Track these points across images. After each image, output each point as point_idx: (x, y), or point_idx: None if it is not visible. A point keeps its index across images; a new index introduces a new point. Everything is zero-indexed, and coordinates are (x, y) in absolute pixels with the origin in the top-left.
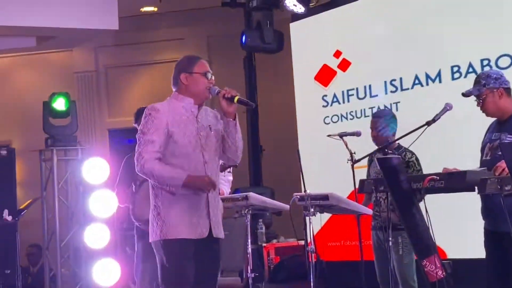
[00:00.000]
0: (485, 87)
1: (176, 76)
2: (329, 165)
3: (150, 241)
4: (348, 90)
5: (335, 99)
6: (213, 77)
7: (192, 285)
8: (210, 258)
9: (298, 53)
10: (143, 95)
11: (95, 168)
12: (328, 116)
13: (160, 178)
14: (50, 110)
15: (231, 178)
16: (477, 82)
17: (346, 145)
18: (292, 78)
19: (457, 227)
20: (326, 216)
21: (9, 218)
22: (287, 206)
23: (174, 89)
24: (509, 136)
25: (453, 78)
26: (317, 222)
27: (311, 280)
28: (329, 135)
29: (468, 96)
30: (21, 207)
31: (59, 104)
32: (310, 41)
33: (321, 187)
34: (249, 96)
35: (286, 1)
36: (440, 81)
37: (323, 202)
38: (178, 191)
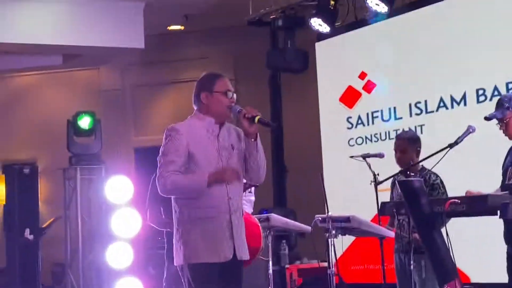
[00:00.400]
0: (508, 110)
1: (196, 94)
2: (353, 186)
3: (174, 264)
4: (373, 112)
5: (359, 121)
6: (234, 96)
7: None
8: (233, 280)
9: (323, 73)
10: (169, 113)
11: (118, 187)
12: (352, 138)
13: (183, 188)
14: (74, 129)
15: (253, 198)
16: (500, 105)
17: (370, 167)
18: (318, 98)
19: (480, 250)
20: (350, 238)
21: (31, 237)
22: (309, 228)
23: (195, 108)
24: None
25: (478, 101)
26: (340, 244)
27: None
28: (352, 156)
29: (491, 119)
30: (43, 225)
31: (84, 122)
32: (335, 62)
33: (345, 209)
34: (273, 115)
35: (311, 21)
36: (465, 104)
37: (345, 224)
38: (204, 192)
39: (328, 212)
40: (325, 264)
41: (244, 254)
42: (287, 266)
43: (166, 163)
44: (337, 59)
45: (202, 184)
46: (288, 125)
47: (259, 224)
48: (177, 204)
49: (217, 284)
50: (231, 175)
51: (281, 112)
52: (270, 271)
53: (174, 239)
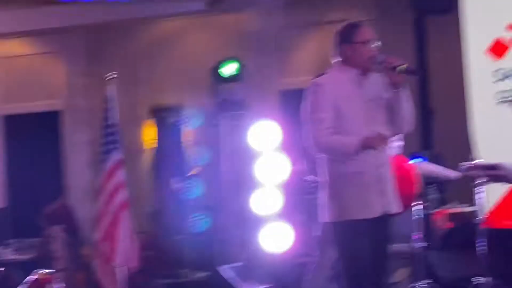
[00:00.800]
0: None
1: (336, 46)
2: (502, 134)
3: (321, 221)
4: None
5: (508, 74)
6: (376, 44)
7: (368, 265)
8: (384, 235)
9: (467, 18)
10: (313, 54)
11: (264, 132)
12: (500, 91)
13: (335, 151)
14: (219, 75)
15: (400, 143)
16: None
17: None
18: (464, 41)
19: None
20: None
21: (178, 185)
22: (457, 175)
23: (336, 59)
24: None
25: None
26: (493, 191)
27: (481, 249)
28: (500, 101)
29: None
30: (190, 173)
31: (228, 68)
32: (481, 5)
33: (495, 155)
34: (417, 58)
35: None
36: None
37: (493, 172)
38: (353, 156)
39: (475, 159)
40: (475, 209)
41: (395, 208)
42: (435, 211)
43: (315, 121)
44: (484, 2)
45: (352, 149)
46: (434, 67)
47: (414, 170)
48: (325, 159)
49: (366, 241)
50: (380, 142)
51: (425, 54)
52: (419, 216)
53: (321, 195)
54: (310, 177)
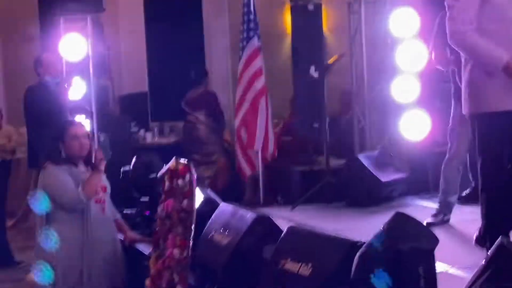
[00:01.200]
0: None
1: None
2: None
3: (464, 113)
4: None
5: None
6: None
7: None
8: None
9: None
10: None
11: (404, 19)
12: None
13: (477, 57)
14: None
15: None
16: None
17: None
18: None
19: None
20: None
21: (316, 74)
22: None
23: None
24: None
25: None
26: None
27: None
28: None
29: None
30: (329, 62)
31: None
32: None
33: None
34: None
35: None
36: None
37: None
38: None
39: None
40: None
41: None
42: None
43: (460, 10)
44: None
45: (497, 65)
46: None
47: None
48: None
49: (508, 135)
50: None
51: None
52: None
53: (464, 85)
54: (448, 65)
